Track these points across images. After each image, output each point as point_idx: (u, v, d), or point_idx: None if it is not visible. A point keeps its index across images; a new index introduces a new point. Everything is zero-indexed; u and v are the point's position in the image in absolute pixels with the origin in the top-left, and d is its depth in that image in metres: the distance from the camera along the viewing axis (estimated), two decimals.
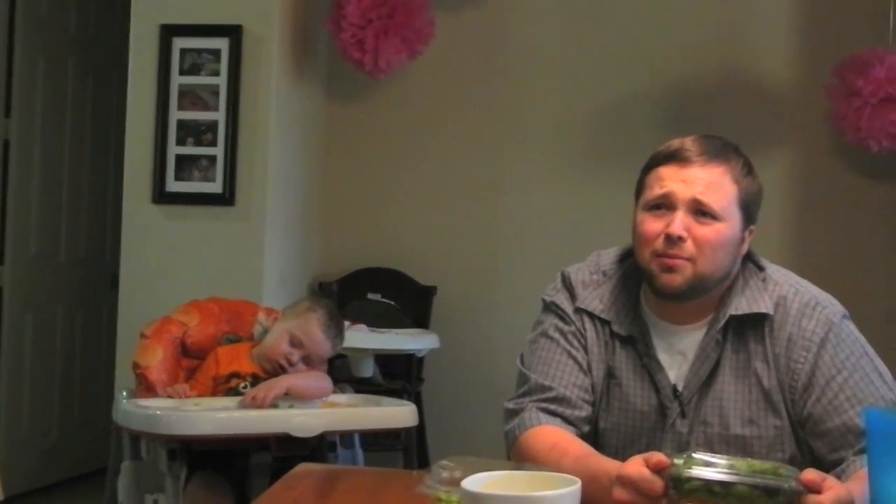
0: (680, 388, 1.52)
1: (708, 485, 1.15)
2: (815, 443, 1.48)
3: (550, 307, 1.61)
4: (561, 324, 1.59)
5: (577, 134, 3.72)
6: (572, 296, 1.60)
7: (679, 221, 1.47)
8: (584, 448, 1.45)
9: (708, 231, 1.48)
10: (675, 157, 1.51)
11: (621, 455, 1.42)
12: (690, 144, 1.52)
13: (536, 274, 3.68)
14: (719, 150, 1.52)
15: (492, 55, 3.78)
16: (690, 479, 1.16)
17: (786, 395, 1.49)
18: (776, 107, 3.63)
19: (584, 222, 3.67)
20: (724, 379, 1.51)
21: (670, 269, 1.48)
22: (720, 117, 3.47)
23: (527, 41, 3.76)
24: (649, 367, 1.53)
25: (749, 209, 1.52)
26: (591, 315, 1.57)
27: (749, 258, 1.58)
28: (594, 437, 1.56)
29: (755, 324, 1.52)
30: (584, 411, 1.54)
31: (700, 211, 1.48)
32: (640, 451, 1.30)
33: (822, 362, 1.48)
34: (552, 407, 1.52)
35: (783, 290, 1.53)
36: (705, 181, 1.49)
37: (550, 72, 3.75)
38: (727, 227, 1.49)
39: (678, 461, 1.18)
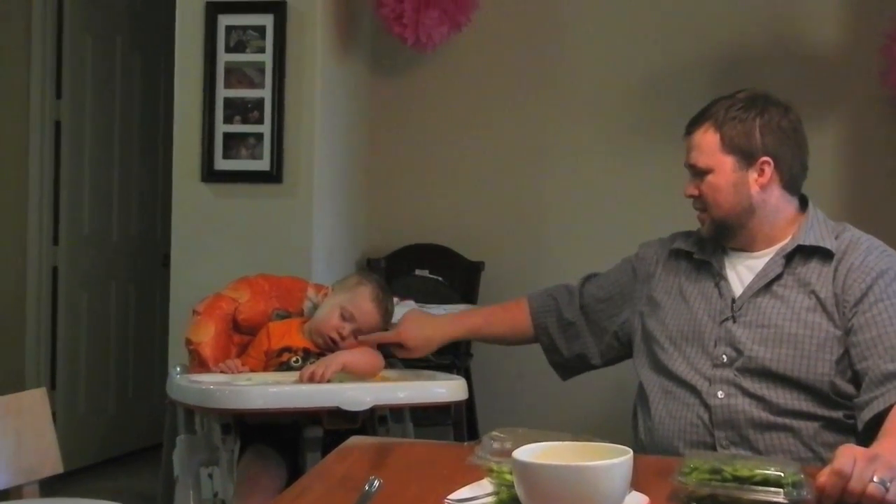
0: (737, 295, 1.77)
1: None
2: (850, 350, 1.66)
3: None
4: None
5: (625, 105, 3.67)
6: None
7: (687, 185, 1.83)
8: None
9: (704, 185, 1.79)
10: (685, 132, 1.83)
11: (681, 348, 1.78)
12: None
13: (585, 247, 3.69)
14: (706, 109, 1.80)
15: (538, 26, 3.73)
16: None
17: (839, 307, 1.69)
18: (829, 71, 3.54)
19: (633, 194, 3.63)
20: (783, 286, 1.74)
21: (700, 221, 1.84)
22: (770, 84, 3.29)
23: (573, 11, 3.71)
24: (717, 282, 1.81)
25: (743, 148, 1.75)
26: (681, 251, 1.91)
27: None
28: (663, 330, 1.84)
29: (822, 256, 1.74)
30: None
31: (696, 171, 1.81)
32: (700, 346, 1.74)
33: (877, 286, 1.67)
34: None
35: (856, 236, 1.77)
36: (694, 146, 1.80)
37: (597, 42, 3.70)
38: (719, 175, 1.77)
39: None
